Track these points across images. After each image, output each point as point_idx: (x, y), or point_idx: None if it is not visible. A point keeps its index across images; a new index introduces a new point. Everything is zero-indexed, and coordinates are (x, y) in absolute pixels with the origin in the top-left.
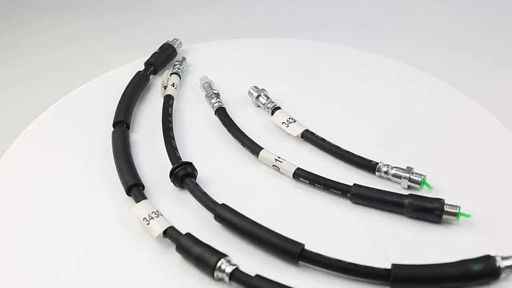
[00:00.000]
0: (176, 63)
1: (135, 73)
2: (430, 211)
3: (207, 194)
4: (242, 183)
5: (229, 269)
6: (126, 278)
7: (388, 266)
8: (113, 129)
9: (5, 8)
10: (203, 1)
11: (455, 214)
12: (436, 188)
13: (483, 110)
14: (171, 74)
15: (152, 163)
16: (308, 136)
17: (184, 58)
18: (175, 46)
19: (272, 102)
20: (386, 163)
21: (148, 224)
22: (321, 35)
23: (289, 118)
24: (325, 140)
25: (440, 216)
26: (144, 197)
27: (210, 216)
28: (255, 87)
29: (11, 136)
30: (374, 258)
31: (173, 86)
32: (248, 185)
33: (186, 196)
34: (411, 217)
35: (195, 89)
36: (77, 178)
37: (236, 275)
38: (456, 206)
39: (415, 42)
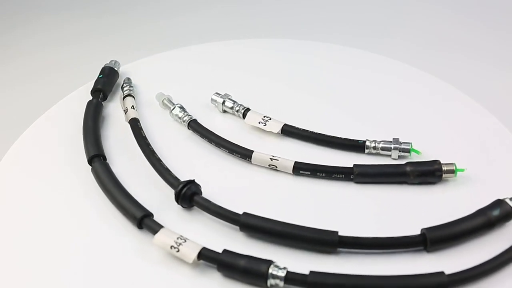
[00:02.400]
0: (124, 84)
1: None
2: (431, 173)
3: (223, 208)
4: (242, 188)
5: (281, 273)
6: None
7: (412, 233)
8: (90, 166)
9: (5, 8)
10: (203, 1)
11: (452, 171)
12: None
13: (483, 110)
14: (124, 97)
15: (143, 189)
16: (289, 130)
17: (129, 79)
18: (115, 68)
19: (240, 105)
20: (372, 139)
21: (178, 251)
22: (321, 35)
23: (264, 117)
24: (307, 130)
25: (441, 176)
26: (161, 226)
27: (228, 227)
28: (217, 93)
29: (11, 137)
30: (394, 228)
31: (133, 108)
32: (249, 190)
33: (196, 215)
34: (413, 183)
35: (151, 106)
36: (78, 180)
37: (291, 277)
38: (452, 164)
39: (415, 42)
